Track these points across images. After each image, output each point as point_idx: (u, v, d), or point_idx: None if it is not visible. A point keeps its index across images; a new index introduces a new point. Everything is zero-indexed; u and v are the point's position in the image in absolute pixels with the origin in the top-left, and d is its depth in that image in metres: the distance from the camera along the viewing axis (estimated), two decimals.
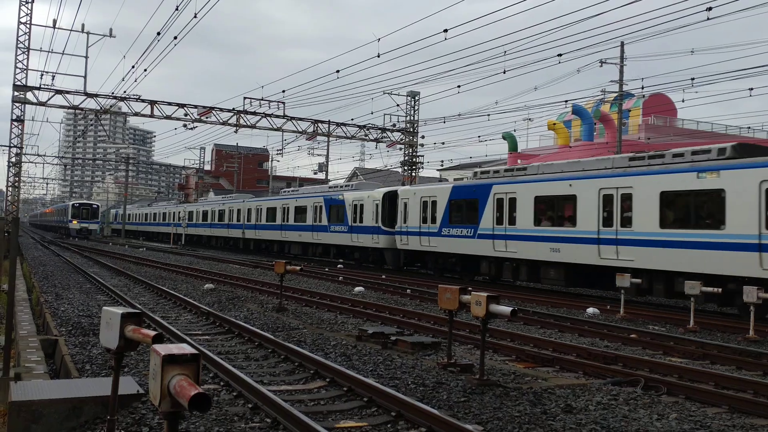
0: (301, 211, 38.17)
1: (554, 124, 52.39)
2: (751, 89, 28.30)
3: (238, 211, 48.05)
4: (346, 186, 35.55)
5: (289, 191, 43.17)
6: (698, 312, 15.75)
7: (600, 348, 11.81)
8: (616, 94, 36.69)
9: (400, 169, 47.53)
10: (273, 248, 43.69)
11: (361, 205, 31.97)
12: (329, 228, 34.69)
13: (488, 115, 44.24)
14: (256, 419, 6.85)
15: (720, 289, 15.53)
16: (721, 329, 14.98)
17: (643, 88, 32.46)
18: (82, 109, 37.69)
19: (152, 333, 4.90)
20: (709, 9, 18.55)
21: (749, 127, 51.39)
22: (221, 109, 38.77)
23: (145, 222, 77.49)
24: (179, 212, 62.83)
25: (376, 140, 43.76)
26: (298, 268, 16.80)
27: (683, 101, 41.89)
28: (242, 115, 39.07)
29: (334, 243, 34.72)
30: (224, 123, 38.95)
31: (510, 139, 54.55)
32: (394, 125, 44.56)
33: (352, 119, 42.74)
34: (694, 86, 28.23)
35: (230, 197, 53.88)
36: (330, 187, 37.28)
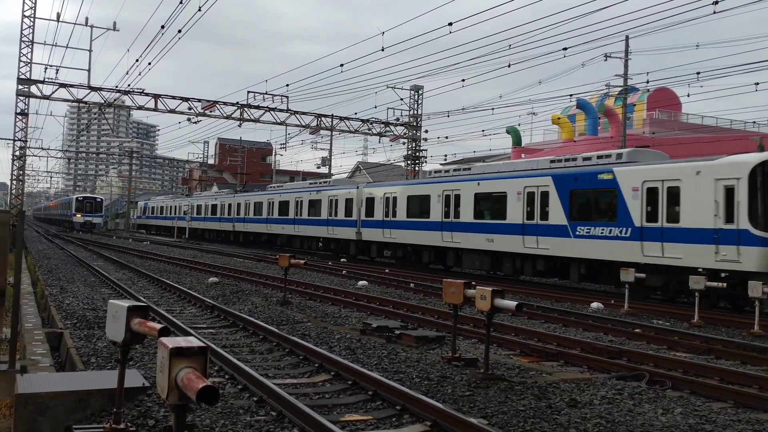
0: (491, 200, 24.28)
1: (558, 118, 52.28)
2: (757, 84, 28.17)
3: (347, 201, 34.34)
4: (600, 157, 21.40)
5: (448, 170, 28.42)
6: (703, 307, 15.73)
7: (604, 342, 11.81)
8: (620, 89, 36.57)
9: (403, 164, 47.53)
10: (423, 257, 28.83)
11: (672, 190, 17.98)
12: (573, 230, 20.72)
13: (492, 109, 44.02)
14: (261, 412, 6.87)
15: (725, 284, 15.48)
16: (726, 324, 14.96)
17: (648, 82, 32.33)
18: (86, 102, 37.71)
19: (159, 326, 4.91)
20: (716, 2, 18.46)
21: (754, 122, 51.15)
22: (225, 103, 38.79)
23: (182, 217, 63.05)
24: (237, 204, 49.40)
25: (380, 134, 43.74)
26: (302, 261, 16.82)
27: (688, 96, 41.65)
28: (246, 109, 39.07)
29: (587, 256, 20.35)
30: (228, 117, 38.97)
31: (514, 133, 54.45)
32: (397, 119, 44.55)
33: (356, 113, 42.82)
34: (699, 80, 28.12)
35: (325, 182, 39.15)
36: (554, 161, 23.23)
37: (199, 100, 38.41)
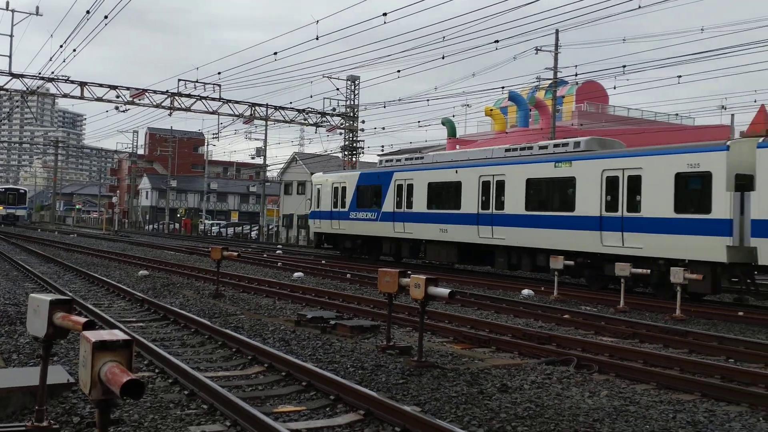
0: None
1: (491, 110, 53.03)
2: (680, 77, 29.22)
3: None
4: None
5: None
6: (628, 293, 16.29)
7: (534, 328, 12.08)
8: (550, 81, 37.35)
9: (340, 154, 47.39)
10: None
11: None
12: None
13: (428, 100, 44.54)
14: (192, 406, 6.75)
15: (649, 271, 16.17)
16: (650, 309, 15.53)
17: (576, 75, 33.09)
18: (6, 90, 36.15)
19: (83, 320, 4.76)
20: None
21: (677, 114, 53.12)
22: (155, 92, 37.81)
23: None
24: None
25: (316, 125, 43.45)
26: (235, 254, 16.58)
27: (615, 88, 42.99)
28: (176, 97, 38.18)
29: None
30: (158, 106, 38.01)
31: (449, 124, 55.00)
32: (333, 109, 44.35)
33: (291, 103, 42.36)
34: (625, 74, 28.98)
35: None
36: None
37: (128, 88, 37.34)
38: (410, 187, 25.34)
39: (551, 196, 20.15)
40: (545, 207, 20.17)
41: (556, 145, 20.98)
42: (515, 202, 21.00)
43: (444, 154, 26.20)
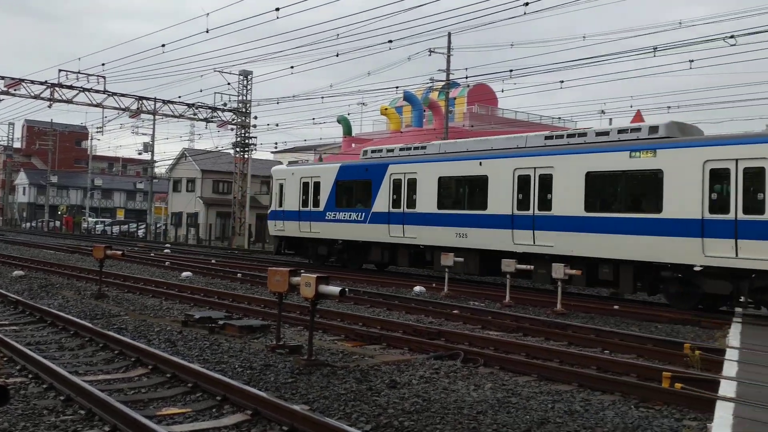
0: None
1: (386, 109, 53.55)
2: (562, 82, 30.65)
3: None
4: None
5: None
6: (513, 288, 16.90)
7: (425, 324, 12.31)
8: (443, 83, 38.16)
9: (231, 151, 46.45)
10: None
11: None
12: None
13: (322, 97, 44.48)
14: (68, 411, 6.43)
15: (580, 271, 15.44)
16: (534, 304, 16.17)
17: (467, 77, 34.03)
18: None
19: None
20: (527, 4, 19.79)
21: (560, 118, 55.65)
22: (32, 82, 35.74)
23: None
24: None
25: (206, 120, 42.43)
26: (119, 252, 15.92)
27: (502, 91, 44.64)
28: (57, 88, 36.25)
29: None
30: (36, 97, 35.96)
31: (345, 122, 55.01)
32: (225, 105, 43.43)
33: (180, 97, 41.03)
34: (512, 77, 30.04)
35: None
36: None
37: (2, 78, 35.11)
38: (412, 182, 21.31)
39: (625, 194, 16.35)
40: (615, 207, 16.39)
41: (621, 131, 17.26)
42: (569, 201, 17.16)
43: (455, 143, 21.57)
